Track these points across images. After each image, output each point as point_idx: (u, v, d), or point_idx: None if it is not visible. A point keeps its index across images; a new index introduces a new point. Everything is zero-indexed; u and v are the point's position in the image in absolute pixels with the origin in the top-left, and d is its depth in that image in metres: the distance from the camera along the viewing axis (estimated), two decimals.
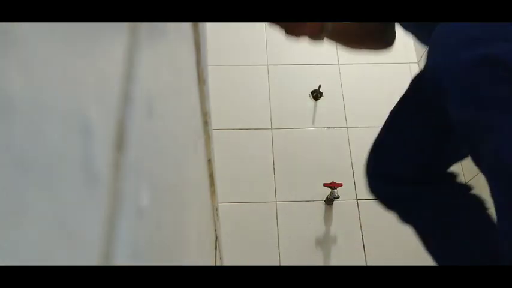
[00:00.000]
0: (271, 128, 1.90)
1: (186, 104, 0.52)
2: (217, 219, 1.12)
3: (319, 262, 1.68)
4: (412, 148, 0.86)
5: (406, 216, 0.87)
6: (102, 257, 0.20)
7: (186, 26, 0.54)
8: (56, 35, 0.17)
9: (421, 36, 0.89)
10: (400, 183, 0.86)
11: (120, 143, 0.23)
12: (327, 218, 1.75)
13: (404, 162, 0.86)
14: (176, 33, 0.44)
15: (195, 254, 0.59)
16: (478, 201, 0.83)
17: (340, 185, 1.73)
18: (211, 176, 0.93)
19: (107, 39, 0.22)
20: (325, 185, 1.73)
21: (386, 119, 0.92)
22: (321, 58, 2.06)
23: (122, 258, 0.23)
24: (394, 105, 0.92)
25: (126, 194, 0.24)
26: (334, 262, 1.68)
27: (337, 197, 1.69)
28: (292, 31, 0.88)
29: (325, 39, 0.93)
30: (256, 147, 1.86)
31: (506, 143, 0.58)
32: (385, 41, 1.03)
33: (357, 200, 1.78)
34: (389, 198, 0.88)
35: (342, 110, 1.95)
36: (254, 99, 1.95)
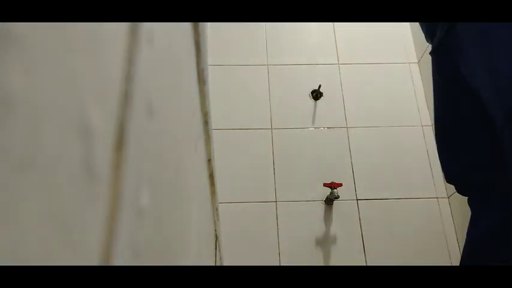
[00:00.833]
0: (271, 128, 1.90)
1: (186, 104, 0.52)
2: (217, 219, 1.12)
3: (319, 262, 1.68)
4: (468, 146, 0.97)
5: (476, 204, 0.97)
6: (102, 257, 0.20)
7: (186, 26, 0.54)
8: (56, 35, 0.17)
9: None
10: (469, 175, 0.98)
11: (120, 143, 0.23)
12: (327, 218, 1.75)
13: (466, 156, 0.98)
14: (176, 33, 0.44)
15: (195, 254, 0.59)
16: None
17: (340, 185, 1.73)
18: (211, 176, 0.93)
19: (107, 39, 0.22)
20: (325, 185, 1.73)
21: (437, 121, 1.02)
22: (321, 58, 2.06)
23: (122, 258, 0.23)
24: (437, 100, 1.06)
25: (126, 194, 0.24)
26: (334, 262, 1.68)
27: (337, 197, 1.69)
28: None
29: None
30: (256, 147, 1.86)
31: None
32: None
33: (357, 200, 1.78)
34: (460, 187, 1.04)
35: (342, 110, 1.95)
36: (254, 99, 1.95)
